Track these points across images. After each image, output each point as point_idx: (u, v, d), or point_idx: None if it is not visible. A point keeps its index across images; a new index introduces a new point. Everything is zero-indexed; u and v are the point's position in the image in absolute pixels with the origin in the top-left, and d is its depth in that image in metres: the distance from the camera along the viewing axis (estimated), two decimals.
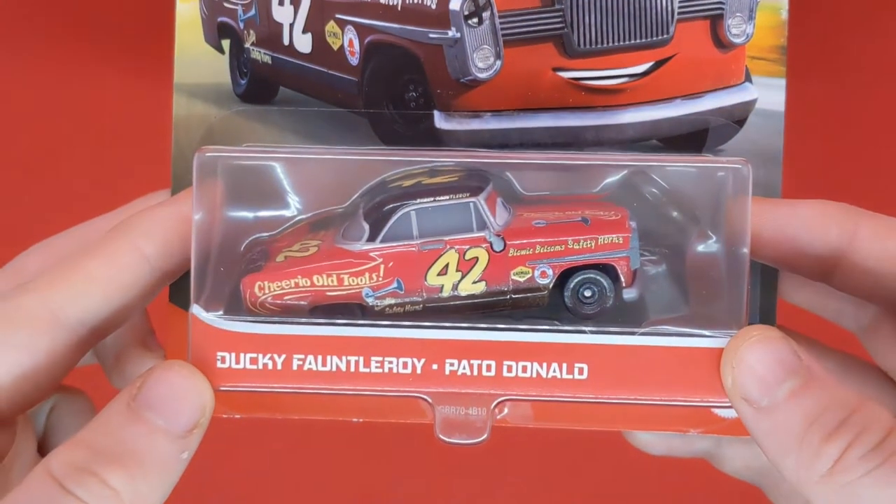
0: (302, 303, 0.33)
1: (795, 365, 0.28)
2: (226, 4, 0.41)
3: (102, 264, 0.31)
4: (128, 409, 0.28)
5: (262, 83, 0.42)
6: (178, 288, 0.35)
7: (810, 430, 0.27)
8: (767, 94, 0.39)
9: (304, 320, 0.32)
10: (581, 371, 0.31)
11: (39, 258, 0.34)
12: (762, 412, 0.28)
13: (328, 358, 0.31)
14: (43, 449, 0.34)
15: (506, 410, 0.34)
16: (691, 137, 0.39)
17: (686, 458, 0.36)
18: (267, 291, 0.33)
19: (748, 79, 0.39)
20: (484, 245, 0.34)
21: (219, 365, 0.31)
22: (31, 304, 0.30)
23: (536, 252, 0.34)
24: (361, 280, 0.33)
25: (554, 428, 0.37)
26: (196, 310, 0.31)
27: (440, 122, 0.39)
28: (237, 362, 0.31)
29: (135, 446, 0.28)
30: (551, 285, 0.34)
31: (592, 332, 0.31)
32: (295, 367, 0.31)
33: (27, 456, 0.33)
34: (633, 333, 0.31)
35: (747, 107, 0.39)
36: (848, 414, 0.27)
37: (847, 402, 0.27)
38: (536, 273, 0.34)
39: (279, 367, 0.31)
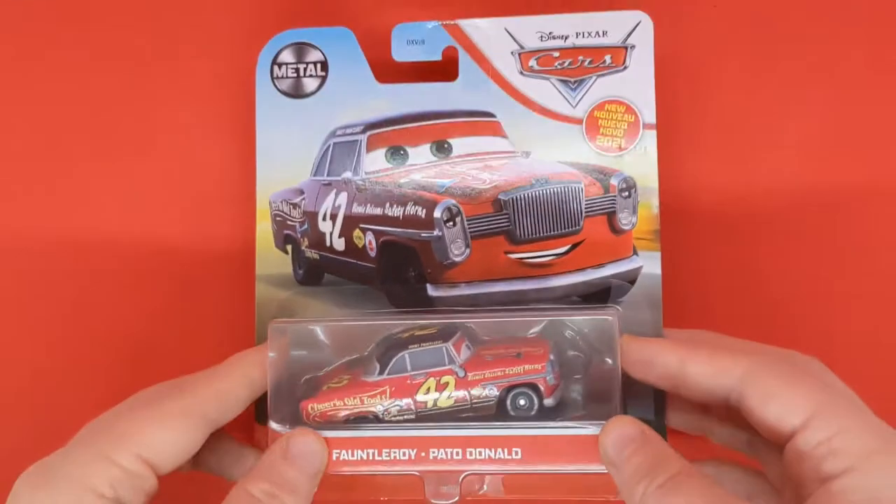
0: (340, 415, 0.45)
1: (633, 436, 0.40)
2: (288, 222, 0.52)
3: (228, 383, 0.43)
4: (284, 457, 0.42)
5: (313, 272, 0.52)
6: (261, 412, 0.47)
7: (637, 476, 0.39)
8: (649, 263, 0.49)
9: (341, 426, 0.44)
10: (516, 452, 0.43)
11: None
12: (617, 469, 0.40)
13: (355, 451, 0.44)
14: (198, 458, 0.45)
15: (486, 487, 0.46)
16: (600, 294, 0.49)
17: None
18: (316, 410, 0.45)
19: (635, 252, 0.49)
20: (452, 374, 0.44)
21: None
22: (185, 405, 0.42)
23: (486, 377, 0.44)
24: (375, 400, 0.45)
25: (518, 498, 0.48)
26: (273, 424, 0.45)
27: (431, 291, 0.50)
28: None
29: (294, 482, 0.41)
30: (497, 398, 0.44)
31: (523, 427, 0.43)
32: (334, 458, 0.44)
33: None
34: (547, 427, 0.43)
35: (636, 272, 0.49)
36: (655, 467, 0.38)
37: (660, 461, 0.38)
38: (487, 391, 0.44)
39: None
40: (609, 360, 0.44)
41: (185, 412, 0.42)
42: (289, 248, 0.53)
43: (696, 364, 0.42)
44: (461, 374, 0.45)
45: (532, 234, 0.50)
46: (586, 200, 0.50)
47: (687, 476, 0.38)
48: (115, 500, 0.39)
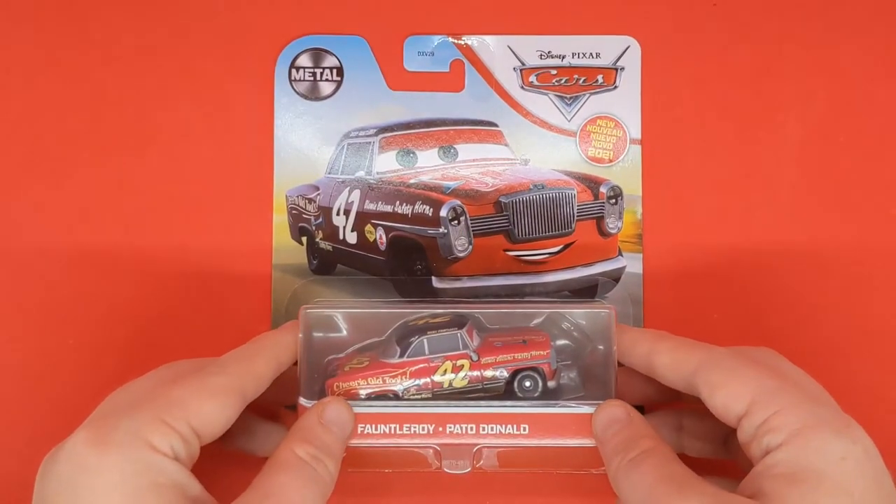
0: (362, 393, 0.48)
1: (619, 417, 0.44)
2: (303, 216, 0.55)
3: (261, 364, 0.45)
4: (319, 422, 0.44)
5: (326, 262, 0.54)
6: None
7: (615, 451, 0.43)
8: (632, 263, 0.54)
9: (365, 402, 0.47)
10: (524, 428, 0.47)
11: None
12: (602, 444, 0.45)
13: (378, 425, 0.47)
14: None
15: (481, 461, 0.49)
16: (588, 289, 0.54)
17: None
18: (340, 388, 0.48)
19: (620, 254, 0.54)
20: (466, 358, 0.48)
21: None
22: (227, 382, 0.43)
23: (497, 361, 0.47)
24: (396, 380, 0.48)
25: (512, 472, 0.53)
26: (302, 400, 0.48)
27: (436, 283, 0.53)
28: None
29: (331, 447, 0.44)
30: (506, 380, 0.48)
31: (529, 406, 0.47)
32: (359, 431, 0.47)
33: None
34: (552, 406, 0.47)
35: (620, 271, 0.54)
36: (630, 444, 0.43)
37: (635, 439, 0.42)
38: (497, 373, 0.48)
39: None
40: (603, 348, 0.49)
41: (227, 389, 0.44)
42: (303, 239, 0.56)
43: (659, 355, 0.46)
44: (475, 357, 0.48)
45: (529, 234, 0.54)
46: (578, 206, 0.54)
47: (652, 453, 0.43)
48: (174, 458, 0.41)
